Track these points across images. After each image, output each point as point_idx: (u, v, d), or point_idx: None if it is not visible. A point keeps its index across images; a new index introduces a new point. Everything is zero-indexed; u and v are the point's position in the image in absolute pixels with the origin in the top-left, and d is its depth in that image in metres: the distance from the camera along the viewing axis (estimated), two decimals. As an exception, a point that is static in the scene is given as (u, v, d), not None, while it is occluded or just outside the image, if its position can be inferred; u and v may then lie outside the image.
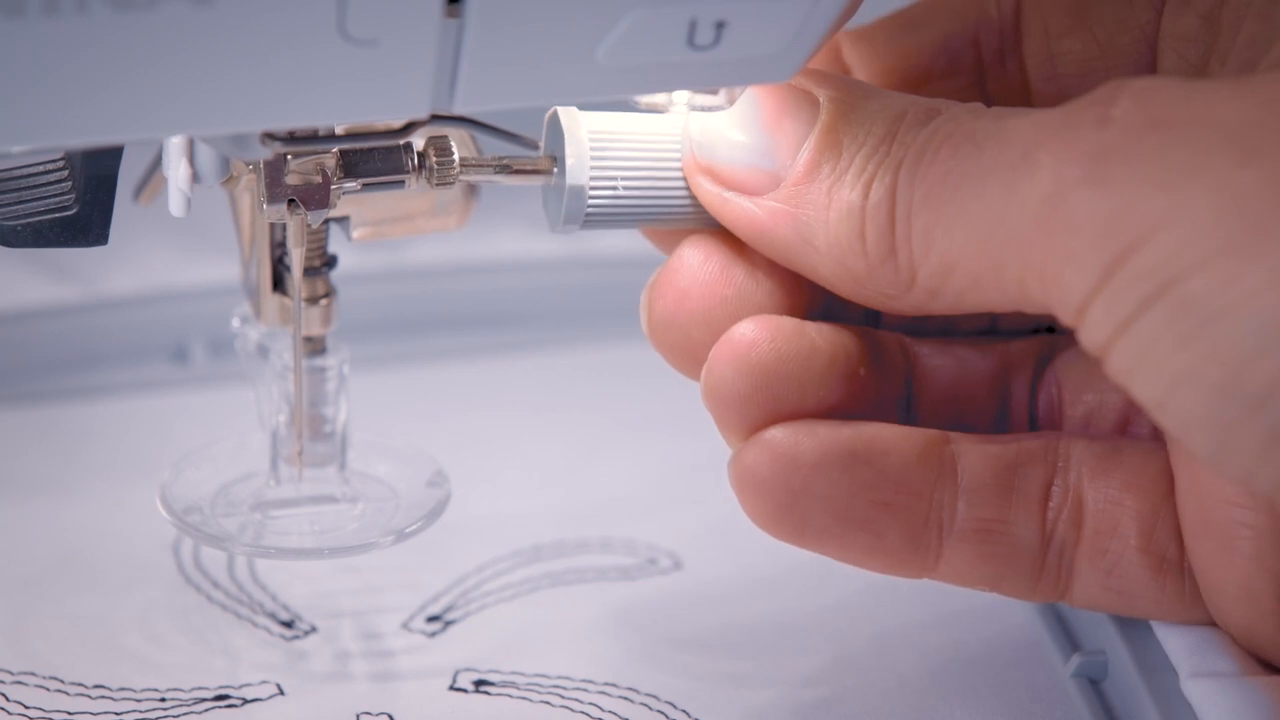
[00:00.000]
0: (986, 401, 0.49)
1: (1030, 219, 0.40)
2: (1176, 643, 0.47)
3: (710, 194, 0.46)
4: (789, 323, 0.46)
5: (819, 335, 0.46)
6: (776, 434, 0.46)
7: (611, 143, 0.46)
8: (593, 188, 0.46)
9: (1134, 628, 0.49)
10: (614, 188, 0.46)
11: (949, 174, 0.42)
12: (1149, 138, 0.39)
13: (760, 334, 0.46)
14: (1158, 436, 0.48)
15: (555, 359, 0.67)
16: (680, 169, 0.46)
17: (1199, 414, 0.39)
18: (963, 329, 0.50)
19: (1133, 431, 0.48)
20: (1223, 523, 0.45)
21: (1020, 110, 0.42)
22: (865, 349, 0.47)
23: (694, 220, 0.47)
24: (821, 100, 0.44)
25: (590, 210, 0.46)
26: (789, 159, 0.44)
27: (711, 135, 0.45)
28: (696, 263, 0.46)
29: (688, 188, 0.46)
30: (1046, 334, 0.50)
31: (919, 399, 0.49)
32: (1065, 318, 0.41)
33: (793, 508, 0.46)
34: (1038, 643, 0.53)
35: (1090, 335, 0.40)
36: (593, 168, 0.45)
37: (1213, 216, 0.38)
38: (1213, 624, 0.47)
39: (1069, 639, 0.52)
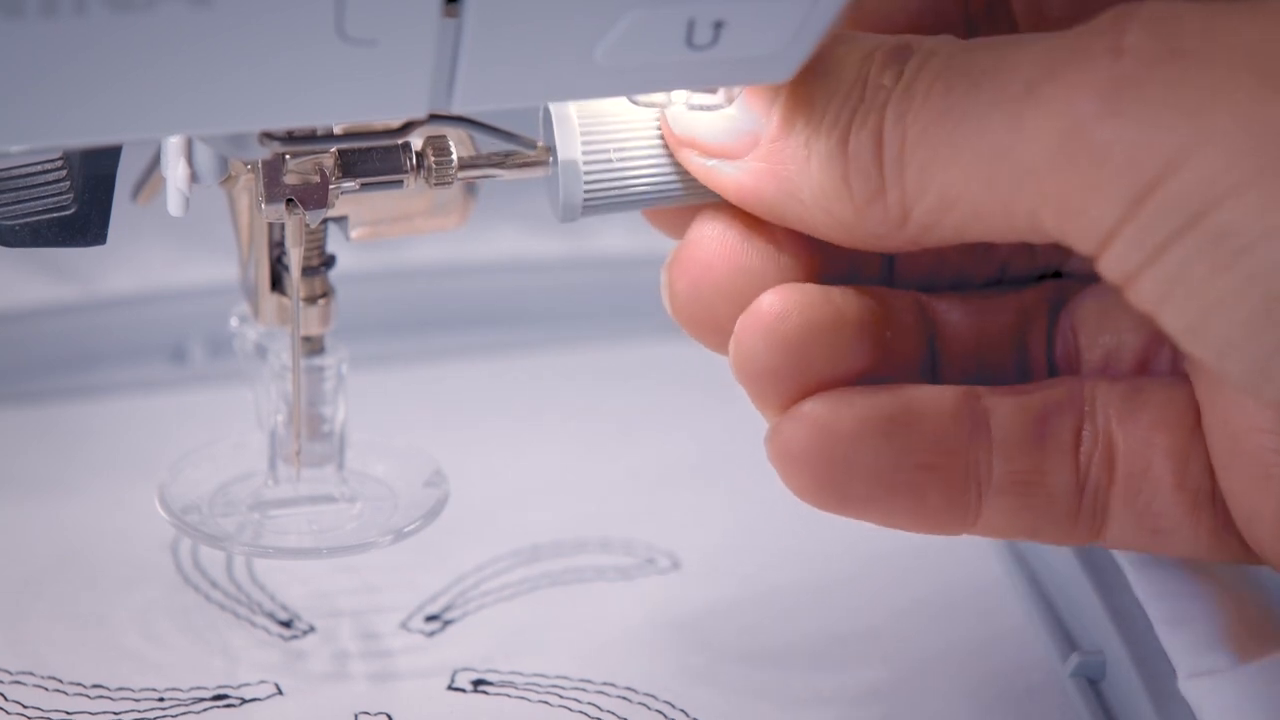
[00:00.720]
0: (1007, 353, 0.49)
1: (1044, 153, 0.40)
2: (1175, 642, 0.47)
3: (696, 165, 0.46)
4: (814, 290, 0.46)
5: (844, 301, 0.46)
6: (814, 407, 0.46)
7: (601, 121, 0.46)
8: (586, 162, 0.45)
9: (1132, 627, 0.49)
10: (608, 160, 0.46)
11: (948, 111, 0.42)
12: (1167, 66, 0.39)
13: (788, 304, 0.45)
14: (1178, 371, 0.47)
15: (554, 358, 0.67)
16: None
17: (1235, 340, 0.39)
18: (975, 280, 0.50)
19: (1153, 369, 0.48)
20: (1255, 451, 0.45)
21: (1015, 40, 0.42)
22: (889, 311, 0.47)
23: (695, 196, 0.47)
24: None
25: (588, 188, 0.46)
26: (764, 117, 0.44)
27: (683, 118, 0.45)
28: (715, 235, 0.46)
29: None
30: (1054, 279, 0.50)
31: (942, 356, 0.49)
32: (1084, 248, 0.40)
33: (834, 479, 0.46)
34: (1036, 642, 0.53)
35: (1114, 266, 0.40)
36: (584, 142, 0.45)
37: (1243, 144, 0.38)
38: (1249, 559, 0.47)
39: (1067, 639, 0.52)
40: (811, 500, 0.46)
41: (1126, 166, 0.39)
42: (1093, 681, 0.51)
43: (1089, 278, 0.49)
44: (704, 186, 0.46)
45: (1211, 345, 0.39)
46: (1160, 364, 0.48)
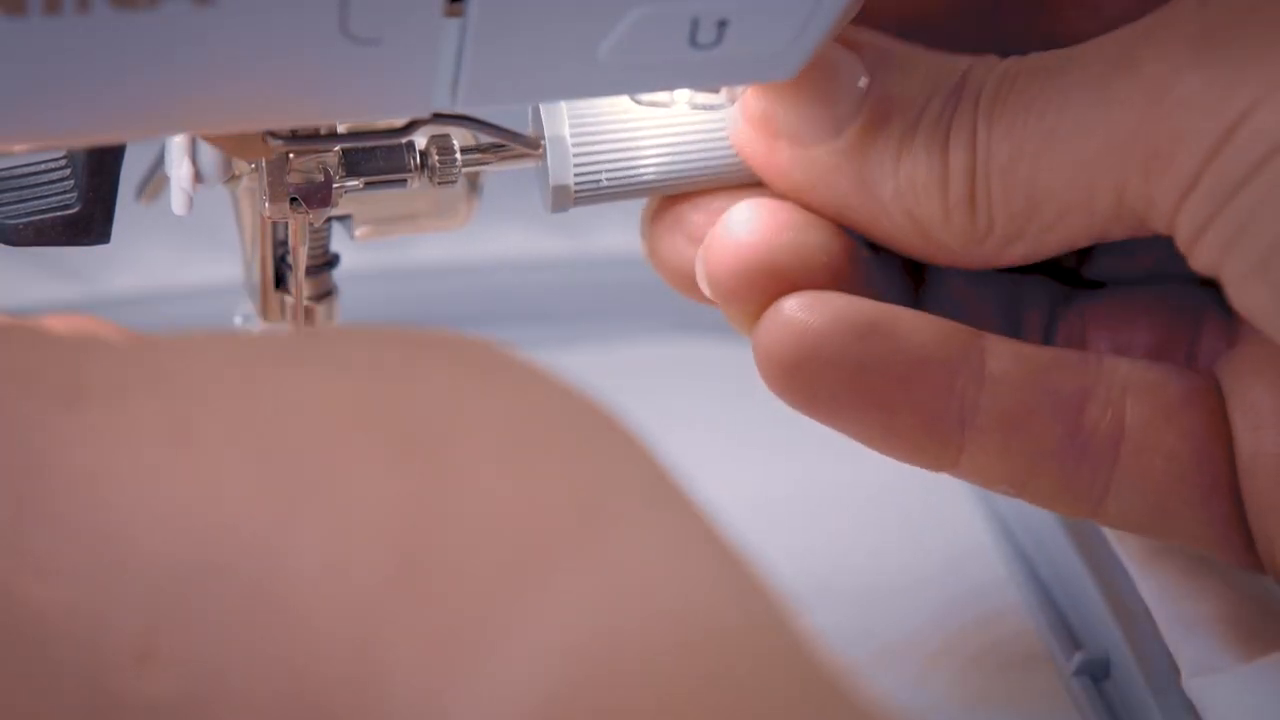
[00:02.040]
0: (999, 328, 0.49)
1: (1134, 113, 0.41)
2: (1179, 640, 0.47)
3: (756, 142, 0.45)
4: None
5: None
6: (793, 301, 0.45)
7: (590, 110, 0.46)
8: (575, 140, 0.45)
9: (1136, 626, 0.49)
10: (599, 143, 0.46)
11: (1032, 101, 0.42)
12: (1252, 14, 0.40)
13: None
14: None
15: (556, 357, 0.67)
16: (664, 129, 0.46)
17: None
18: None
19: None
20: (1274, 464, 0.45)
21: (1089, 41, 0.43)
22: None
23: (690, 183, 0.46)
24: (872, 55, 0.44)
25: (578, 175, 0.46)
26: (848, 109, 0.44)
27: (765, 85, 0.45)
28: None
29: (684, 147, 0.46)
30: (1054, 277, 0.50)
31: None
32: (1165, 206, 0.41)
33: (802, 376, 0.45)
34: (1040, 641, 0.53)
35: (1190, 218, 0.40)
36: (572, 121, 0.45)
37: None
38: (1254, 568, 0.47)
39: (1071, 637, 0.52)
40: (782, 394, 0.46)
41: (1211, 110, 0.39)
42: (1096, 680, 0.51)
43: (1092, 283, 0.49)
44: (699, 173, 0.46)
45: (1272, 287, 0.40)
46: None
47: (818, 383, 0.45)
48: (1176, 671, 0.47)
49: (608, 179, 0.46)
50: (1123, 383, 0.46)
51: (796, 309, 0.45)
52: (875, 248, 0.46)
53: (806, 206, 0.45)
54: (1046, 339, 0.49)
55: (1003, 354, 0.46)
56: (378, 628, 0.30)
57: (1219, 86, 0.40)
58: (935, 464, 0.46)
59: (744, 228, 0.45)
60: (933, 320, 0.46)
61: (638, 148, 0.46)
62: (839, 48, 0.45)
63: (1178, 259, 0.45)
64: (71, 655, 0.31)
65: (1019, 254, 0.44)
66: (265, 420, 0.32)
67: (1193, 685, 0.46)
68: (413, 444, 0.32)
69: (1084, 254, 0.49)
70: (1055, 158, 0.42)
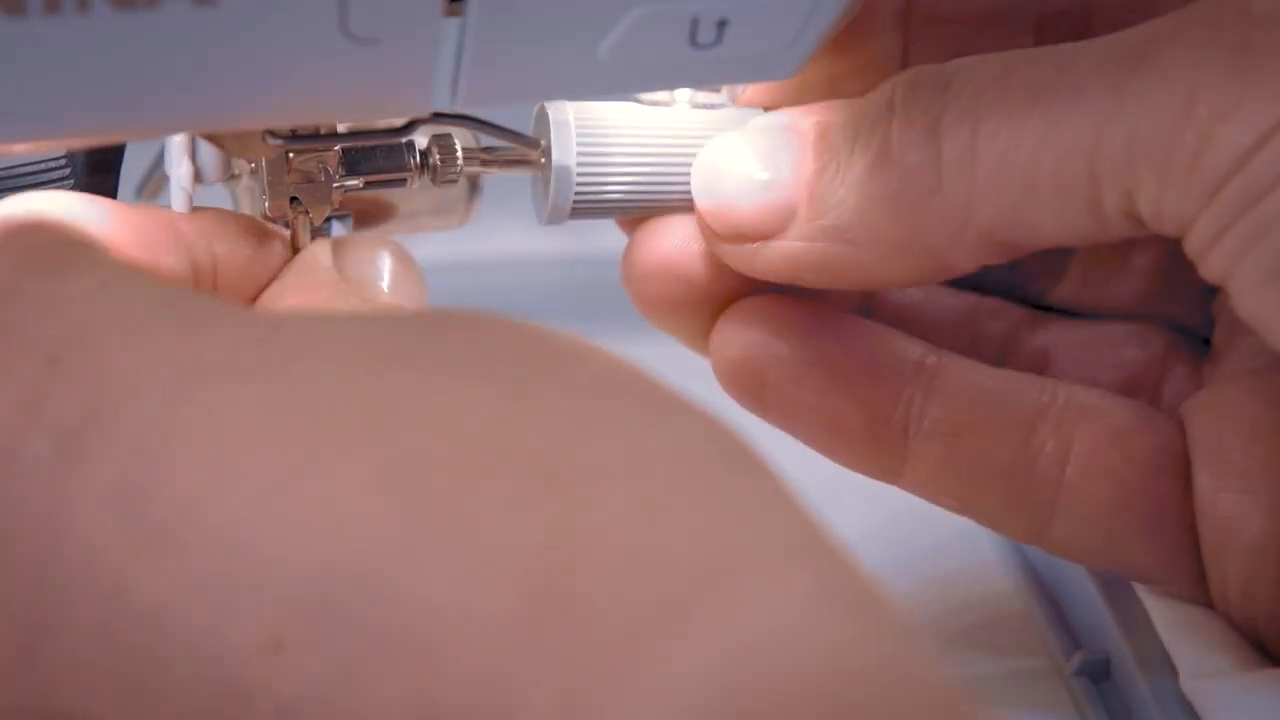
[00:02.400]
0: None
1: (1163, 115, 0.40)
2: (1178, 642, 0.47)
3: (740, 253, 0.45)
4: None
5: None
6: (744, 303, 0.46)
7: (599, 127, 0.46)
8: (580, 167, 0.45)
9: (1136, 627, 0.49)
10: (602, 168, 0.46)
11: (1039, 91, 0.41)
12: None
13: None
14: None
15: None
16: (671, 154, 0.46)
17: None
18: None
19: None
20: (1229, 510, 0.45)
21: (1102, 36, 0.42)
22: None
23: (684, 205, 0.46)
24: (804, 127, 0.44)
25: (579, 193, 0.46)
26: (793, 186, 0.44)
27: (713, 196, 0.45)
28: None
29: (679, 170, 0.46)
30: (1019, 301, 0.50)
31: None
32: (1180, 215, 0.40)
33: (749, 371, 0.46)
34: (1039, 641, 0.53)
35: (1208, 227, 0.40)
36: (580, 148, 0.45)
37: None
38: (1201, 599, 0.47)
39: (1070, 638, 0.52)
40: (733, 393, 0.46)
41: (1248, 119, 0.39)
42: (1096, 680, 0.51)
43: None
44: (690, 196, 0.46)
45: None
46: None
47: (764, 381, 0.46)
48: (1176, 672, 0.47)
49: (607, 202, 0.46)
50: (1076, 406, 0.46)
51: (749, 311, 0.46)
52: None
53: (811, 284, 0.45)
54: (999, 362, 0.48)
55: (956, 370, 0.46)
56: (507, 664, 0.29)
57: (1256, 99, 0.39)
58: (880, 472, 0.47)
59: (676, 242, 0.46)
60: (888, 331, 0.46)
61: (639, 168, 0.46)
62: (774, 134, 0.45)
63: (1153, 297, 0.46)
64: (196, 642, 0.30)
65: (998, 249, 0.43)
66: (393, 431, 0.31)
67: (1192, 687, 0.46)
68: (550, 478, 0.30)
69: (1055, 278, 0.49)
70: (1067, 144, 0.41)
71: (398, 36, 0.37)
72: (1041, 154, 0.41)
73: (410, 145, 0.46)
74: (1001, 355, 0.49)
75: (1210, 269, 0.41)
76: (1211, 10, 0.41)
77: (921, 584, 0.54)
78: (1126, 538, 0.47)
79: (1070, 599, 0.53)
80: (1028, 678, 0.51)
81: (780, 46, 0.41)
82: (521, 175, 0.46)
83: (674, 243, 0.46)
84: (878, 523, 0.57)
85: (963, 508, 0.47)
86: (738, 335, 0.46)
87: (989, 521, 0.47)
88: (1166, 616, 0.48)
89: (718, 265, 0.46)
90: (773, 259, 0.44)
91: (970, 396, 0.46)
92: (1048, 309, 0.50)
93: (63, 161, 0.45)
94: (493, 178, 0.48)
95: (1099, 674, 0.50)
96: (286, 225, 0.50)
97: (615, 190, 0.46)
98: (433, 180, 0.46)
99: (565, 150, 0.45)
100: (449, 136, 0.46)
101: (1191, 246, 0.41)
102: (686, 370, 0.54)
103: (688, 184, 0.46)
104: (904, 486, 0.47)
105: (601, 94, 0.45)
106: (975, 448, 0.46)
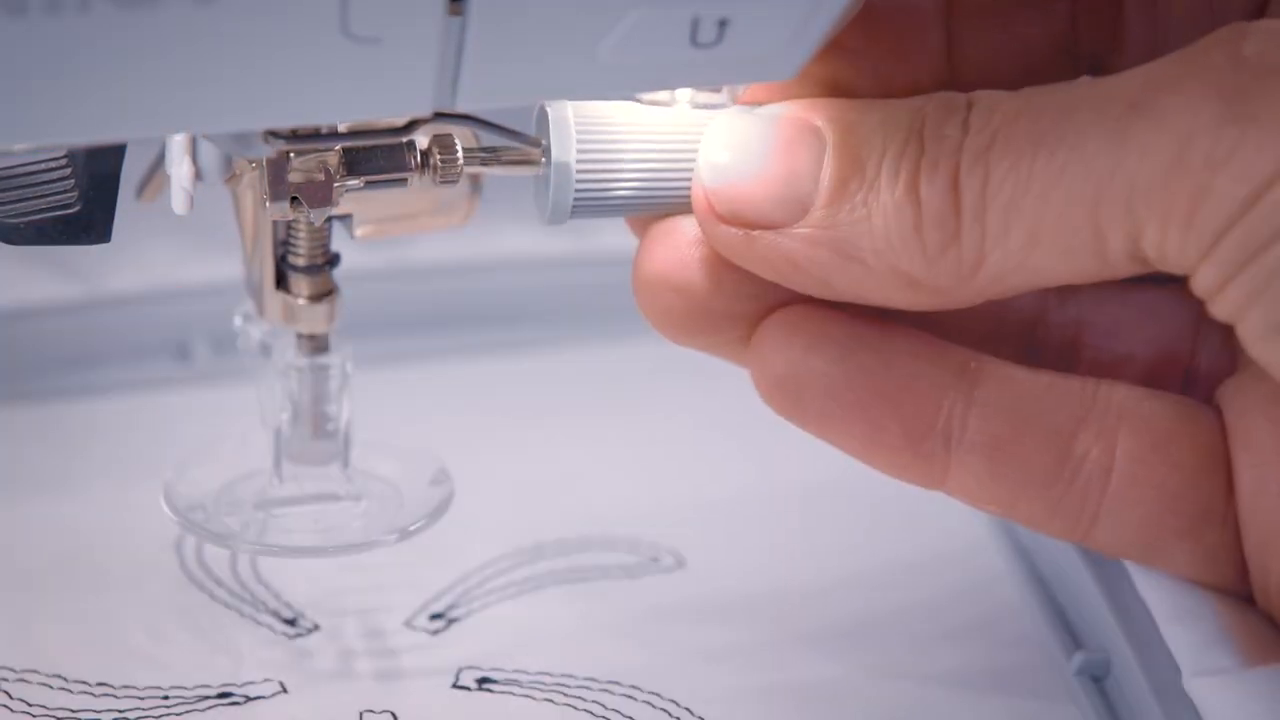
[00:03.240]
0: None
1: (1159, 164, 0.40)
2: (1179, 640, 0.47)
3: (732, 236, 0.45)
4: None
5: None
6: (782, 315, 0.46)
7: (599, 125, 0.46)
8: (580, 167, 0.45)
9: (1137, 625, 0.49)
10: (603, 166, 0.46)
11: (1040, 139, 0.41)
12: None
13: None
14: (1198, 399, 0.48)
15: (559, 357, 0.67)
16: (673, 152, 0.46)
17: None
18: None
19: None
20: (1275, 508, 0.45)
21: (1099, 79, 0.42)
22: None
23: (683, 205, 0.46)
24: (821, 124, 0.44)
25: (579, 190, 0.46)
26: (810, 185, 0.44)
27: (724, 175, 0.45)
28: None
29: (681, 169, 0.46)
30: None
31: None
32: (1184, 260, 0.41)
33: (790, 381, 0.46)
34: (1040, 640, 0.53)
35: (1211, 275, 0.40)
36: (579, 147, 0.45)
37: None
38: (1242, 592, 0.47)
39: (1071, 637, 0.52)
40: (772, 403, 0.46)
41: (1242, 171, 0.39)
42: (1097, 679, 0.51)
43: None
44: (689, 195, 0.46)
45: None
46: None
47: (806, 394, 0.46)
48: (1177, 671, 0.47)
49: (607, 198, 0.46)
50: (1117, 412, 0.46)
51: (788, 324, 0.46)
52: None
53: (796, 285, 0.45)
54: (1030, 337, 0.49)
55: (995, 376, 0.46)
56: None
57: (1250, 149, 0.39)
58: (922, 481, 0.47)
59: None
60: (924, 338, 0.46)
61: (640, 166, 0.46)
62: (789, 128, 0.44)
63: None
64: None
65: (1005, 288, 0.43)
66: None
67: (1193, 685, 0.46)
68: None
69: None
70: (1069, 195, 0.41)
71: (398, 36, 0.37)
72: (1046, 206, 0.41)
73: (411, 145, 0.46)
74: (1031, 330, 0.49)
75: (1218, 313, 0.41)
76: (1205, 55, 0.41)
77: (923, 583, 0.54)
78: (1169, 539, 0.47)
79: (1070, 599, 0.53)
80: (1028, 677, 0.51)
81: (781, 46, 0.41)
82: (523, 175, 0.46)
83: (673, 255, 0.46)
84: (879, 522, 0.57)
85: (1006, 513, 0.47)
86: (779, 351, 0.46)
87: (1030, 524, 0.47)
88: (1167, 613, 0.48)
89: (717, 278, 0.46)
90: (768, 253, 0.44)
91: (1010, 404, 0.46)
92: None
93: (63, 162, 0.45)
94: (494, 177, 0.48)
95: (1099, 673, 0.51)
96: (287, 225, 0.50)
97: (616, 188, 0.46)
98: (434, 180, 0.46)
99: (565, 148, 0.45)
100: (450, 136, 0.46)
101: (1198, 289, 0.41)
102: (687, 370, 0.55)
103: (689, 183, 0.46)
104: (948, 493, 0.47)
105: (602, 93, 0.45)
106: (1017, 458, 0.46)
